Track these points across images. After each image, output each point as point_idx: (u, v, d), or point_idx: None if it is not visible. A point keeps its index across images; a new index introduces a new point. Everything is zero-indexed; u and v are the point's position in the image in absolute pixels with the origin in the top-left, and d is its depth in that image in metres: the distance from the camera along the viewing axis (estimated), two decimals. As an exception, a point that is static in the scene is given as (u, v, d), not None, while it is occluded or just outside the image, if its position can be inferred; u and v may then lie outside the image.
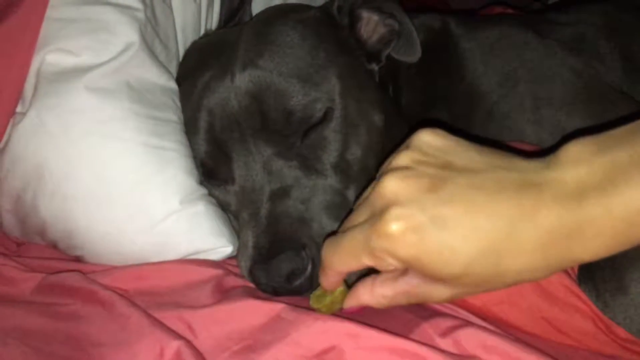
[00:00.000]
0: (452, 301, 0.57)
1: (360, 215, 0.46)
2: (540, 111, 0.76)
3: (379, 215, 0.42)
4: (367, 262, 0.44)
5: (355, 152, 0.66)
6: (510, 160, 0.43)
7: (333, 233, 0.53)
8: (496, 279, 0.41)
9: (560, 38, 0.83)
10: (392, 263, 0.42)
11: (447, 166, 0.43)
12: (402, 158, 0.45)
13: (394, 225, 0.41)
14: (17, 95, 0.60)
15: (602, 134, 0.40)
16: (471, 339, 0.48)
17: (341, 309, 0.52)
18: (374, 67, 0.76)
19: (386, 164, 0.46)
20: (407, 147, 0.45)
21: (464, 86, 0.81)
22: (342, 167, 0.65)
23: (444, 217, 0.40)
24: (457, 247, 0.40)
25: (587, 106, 0.76)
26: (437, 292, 0.44)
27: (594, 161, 0.39)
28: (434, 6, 1.33)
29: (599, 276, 0.58)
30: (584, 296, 0.57)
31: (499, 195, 0.40)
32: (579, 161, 0.39)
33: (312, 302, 0.54)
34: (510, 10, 1.07)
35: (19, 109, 0.61)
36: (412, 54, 0.76)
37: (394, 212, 0.41)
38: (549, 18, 0.90)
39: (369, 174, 0.67)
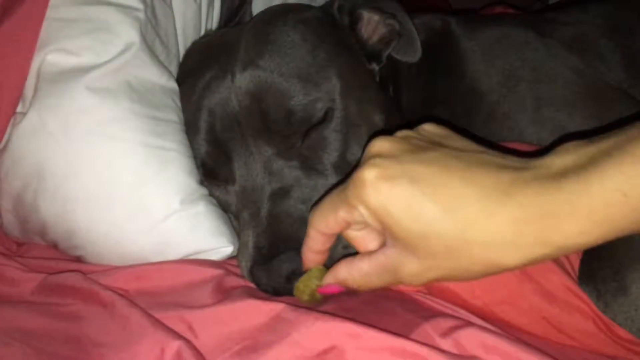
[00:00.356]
0: (432, 289, 0.58)
1: None
2: (541, 111, 0.76)
3: (359, 167, 0.45)
4: (343, 213, 0.46)
5: (355, 152, 0.66)
6: (501, 152, 0.44)
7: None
8: (463, 249, 0.41)
9: (561, 37, 0.83)
10: (363, 213, 0.44)
11: (435, 142, 0.46)
12: (400, 133, 0.48)
13: (368, 172, 0.43)
14: (18, 95, 0.60)
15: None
16: (472, 339, 0.48)
17: (318, 288, 0.53)
18: (375, 67, 0.76)
19: None
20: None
21: (465, 86, 0.81)
22: (342, 167, 0.65)
23: (418, 173, 0.42)
24: (425, 202, 0.41)
25: (588, 106, 0.76)
26: (409, 265, 0.44)
27: (580, 151, 0.39)
28: (435, 6, 1.33)
29: (600, 276, 0.58)
30: (584, 296, 0.57)
31: (478, 167, 0.42)
32: (567, 152, 0.40)
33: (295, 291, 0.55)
34: (510, 10, 1.07)
35: (19, 109, 0.61)
36: (412, 54, 0.76)
37: (372, 161, 0.44)
38: (549, 17, 0.90)
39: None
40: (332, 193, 0.48)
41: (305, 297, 0.54)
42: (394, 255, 0.45)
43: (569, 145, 0.41)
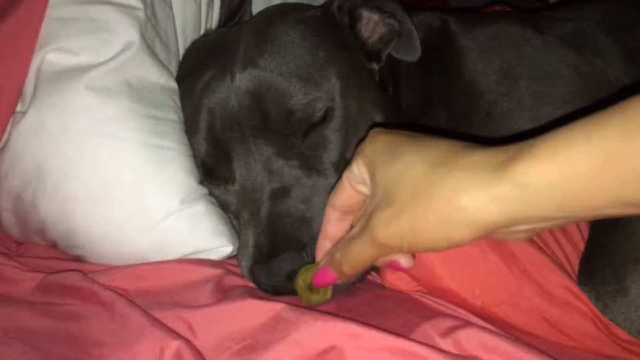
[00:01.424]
0: (432, 289, 0.58)
1: None
2: (539, 109, 0.76)
3: None
4: (346, 173, 0.51)
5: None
6: None
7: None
8: (426, 189, 0.42)
9: (559, 34, 0.82)
10: (359, 164, 0.49)
11: None
12: None
13: (374, 130, 0.50)
14: (17, 94, 0.60)
15: None
16: (471, 339, 0.48)
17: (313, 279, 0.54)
18: (374, 66, 0.75)
19: None
20: None
21: (463, 85, 0.81)
22: (342, 167, 0.65)
23: (416, 135, 0.47)
24: (405, 143, 0.46)
25: (586, 104, 0.76)
26: (378, 212, 0.45)
27: None
28: (434, 5, 1.33)
29: (599, 277, 0.58)
30: (584, 297, 0.57)
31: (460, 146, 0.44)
32: None
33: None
34: (510, 9, 1.07)
35: (19, 108, 0.61)
36: (412, 54, 0.76)
37: None
38: (547, 15, 0.89)
39: (369, 173, 0.67)
40: None
41: (301, 291, 0.55)
42: (370, 207, 0.47)
43: None
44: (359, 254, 0.48)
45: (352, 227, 0.53)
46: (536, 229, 0.42)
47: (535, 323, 0.56)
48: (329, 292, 0.55)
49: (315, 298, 0.55)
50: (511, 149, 0.40)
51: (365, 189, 0.50)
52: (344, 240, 0.50)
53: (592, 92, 0.76)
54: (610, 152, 0.36)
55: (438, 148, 0.44)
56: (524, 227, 0.41)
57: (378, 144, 0.48)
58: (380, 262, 0.51)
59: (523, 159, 0.38)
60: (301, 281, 0.55)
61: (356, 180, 0.50)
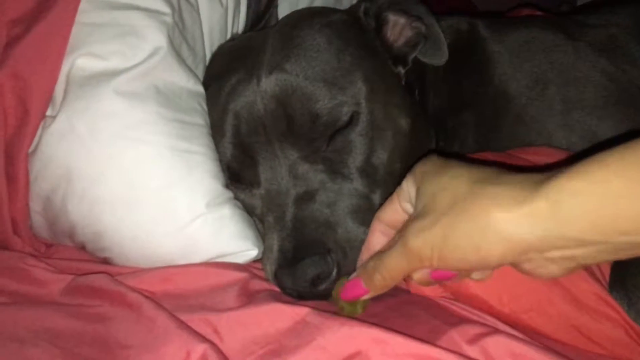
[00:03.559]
0: (459, 295, 0.57)
1: None
2: (570, 115, 0.75)
3: None
4: (394, 196, 0.53)
5: (381, 156, 0.66)
6: None
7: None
8: (462, 201, 0.43)
9: (590, 40, 0.81)
10: (408, 182, 0.51)
11: None
12: None
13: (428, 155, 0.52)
14: (48, 99, 0.61)
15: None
16: (499, 346, 0.48)
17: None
18: (401, 70, 0.75)
19: None
20: None
21: (492, 89, 0.80)
22: (367, 171, 0.65)
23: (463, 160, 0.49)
24: (454, 164, 0.48)
25: (618, 110, 0.75)
26: (415, 223, 0.46)
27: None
28: (461, 8, 1.32)
29: (632, 283, 0.57)
30: (615, 304, 0.56)
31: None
32: None
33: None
34: (538, 12, 1.06)
35: (49, 112, 0.62)
36: (439, 57, 0.76)
37: None
38: (578, 20, 0.88)
39: (395, 178, 0.67)
40: None
41: (332, 300, 0.55)
42: (409, 221, 0.48)
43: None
44: (391, 264, 0.48)
45: None
46: (568, 256, 0.41)
47: (565, 331, 0.55)
48: (359, 308, 0.54)
49: (347, 309, 0.54)
50: (550, 172, 0.41)
51: (409, 207, 0.51)
52: (380, 252, 0.50)
53: (624, 99, 0.75)
54: None
55: (484, 169, 0.46)
56: (557, 253, 0.41)
57: (428, 164, 0.49)
58: (421, 277, 0.50)
59: (558, 177, 0.39)
60: (334, 293, 0.55)
61: (404, 198, 0.51)
